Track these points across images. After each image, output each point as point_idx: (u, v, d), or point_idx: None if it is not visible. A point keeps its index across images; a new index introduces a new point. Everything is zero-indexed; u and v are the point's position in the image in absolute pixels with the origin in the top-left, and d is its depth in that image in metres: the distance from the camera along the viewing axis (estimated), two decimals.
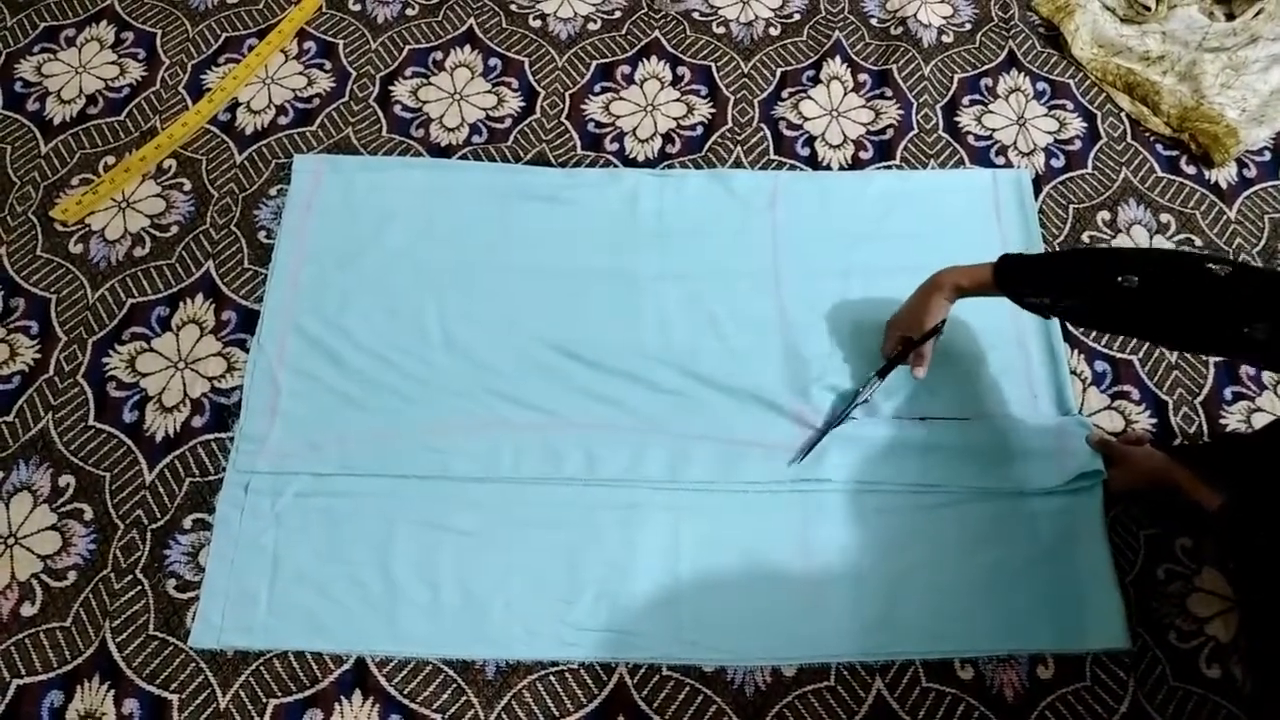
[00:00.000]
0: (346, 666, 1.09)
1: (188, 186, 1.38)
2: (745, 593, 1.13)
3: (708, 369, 1.25)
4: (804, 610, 1.12)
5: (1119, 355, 1.28)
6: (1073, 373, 1.27)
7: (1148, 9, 1.54)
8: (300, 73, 1.49)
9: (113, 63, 1.49)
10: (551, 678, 1.09)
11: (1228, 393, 1.26)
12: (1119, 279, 0.90)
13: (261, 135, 1.43)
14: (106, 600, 1.12)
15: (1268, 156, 1.45)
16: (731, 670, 1.09)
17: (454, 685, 1.08)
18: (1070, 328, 1.29)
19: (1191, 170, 1.43)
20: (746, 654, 1.10)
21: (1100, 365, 1.28)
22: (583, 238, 1.35)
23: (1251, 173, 1.43)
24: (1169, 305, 0.88)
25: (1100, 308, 0.95)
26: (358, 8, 1.55)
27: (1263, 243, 1.38)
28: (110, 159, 1.41)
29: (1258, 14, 1.53)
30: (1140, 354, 1.29)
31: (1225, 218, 1.39)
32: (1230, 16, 1.57)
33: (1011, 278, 1.03)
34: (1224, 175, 1.43)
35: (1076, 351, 1.29)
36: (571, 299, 1.31)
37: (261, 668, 1.09)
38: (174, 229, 1.35)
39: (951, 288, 1.10)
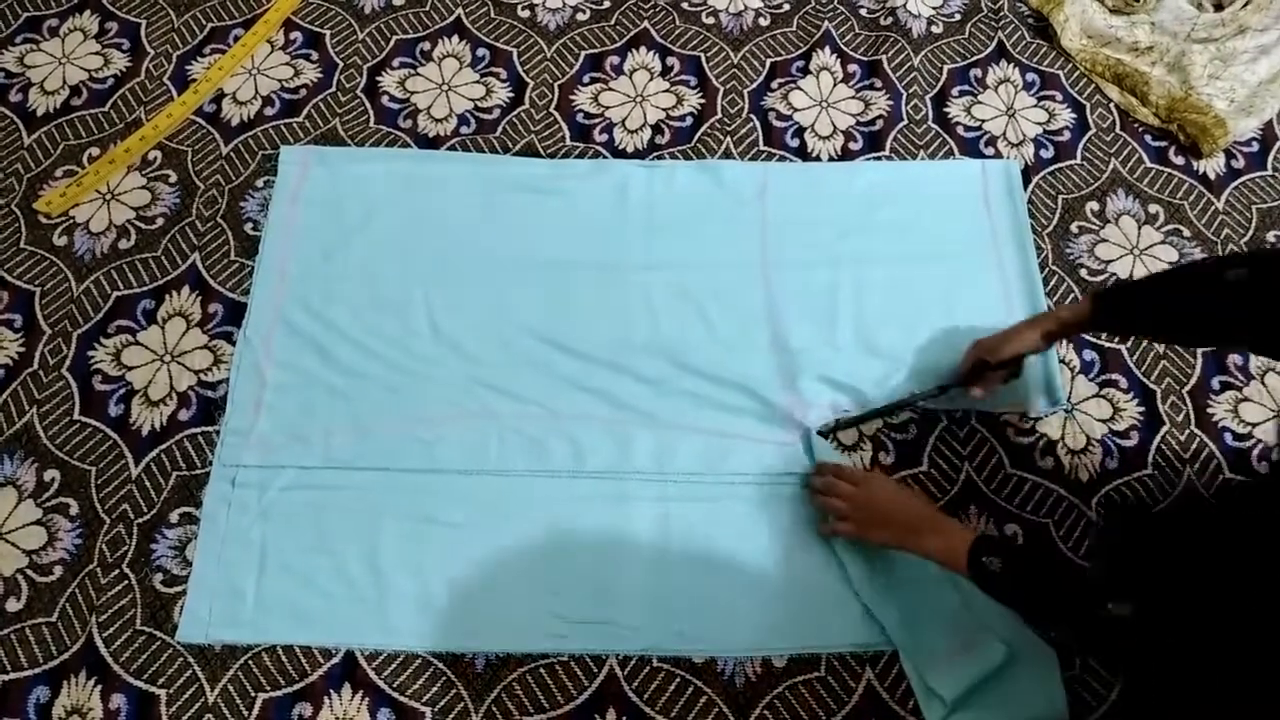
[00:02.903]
0: (335, 660, 1.08)
1: (173, 178, 1.37)
2: (735, 584, 1.13)
3: (696, 360, 1.25)
4: (794, 601, 1.12)
5: (1107, 345, 1.29)
6: (1062, 362, 1.27)
7: (1137, 0, 1.54)
8: (286, 63, 1.48)
9: (97, 53, 1.48)
10: (542, 670, 1.09)
11: (1215, 382, 1.27)
12: (1228, 273, 0.87)
13: (248, 126, 1.42)
14: (93, 595, 1.11)
15: (1255, 147, 1.45)
16: (722, 661, 1.09)
17: (443, 678, 1.08)
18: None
19: (1180, 161, 1.43)
20: (737, 645, 1.10)
21: (1089, 354, 1.28)
22: (571, 229, 1.34)
23: (1239, 163, 1.43)
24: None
25: (1210, 310, 0.91)
26: None
27: (1250, 233, 1.38)
28: (95, 150, 1.39)
29: (1245, 5, 1.54)
30: (1129, 343, 1.29)
31: (1213, 208, 1.40)
32: (1218, 7, 1.57)
33: (1111, 305, 1.01)
34: (1212, 166, 1.43)
35: (1065, 341, 1.29)
36: (560, 290, 1.30)
37: (250, 662, 1.08)
38: (159, 221, 1.34)
39: (1044, 326, 1.08)
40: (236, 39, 1.49)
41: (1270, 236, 1.38)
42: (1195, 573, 0.74)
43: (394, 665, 1.08)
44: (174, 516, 1.15)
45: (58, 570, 1.12)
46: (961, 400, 1.19)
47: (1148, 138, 1.45)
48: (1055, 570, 0.85)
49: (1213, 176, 1.42)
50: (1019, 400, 1.23)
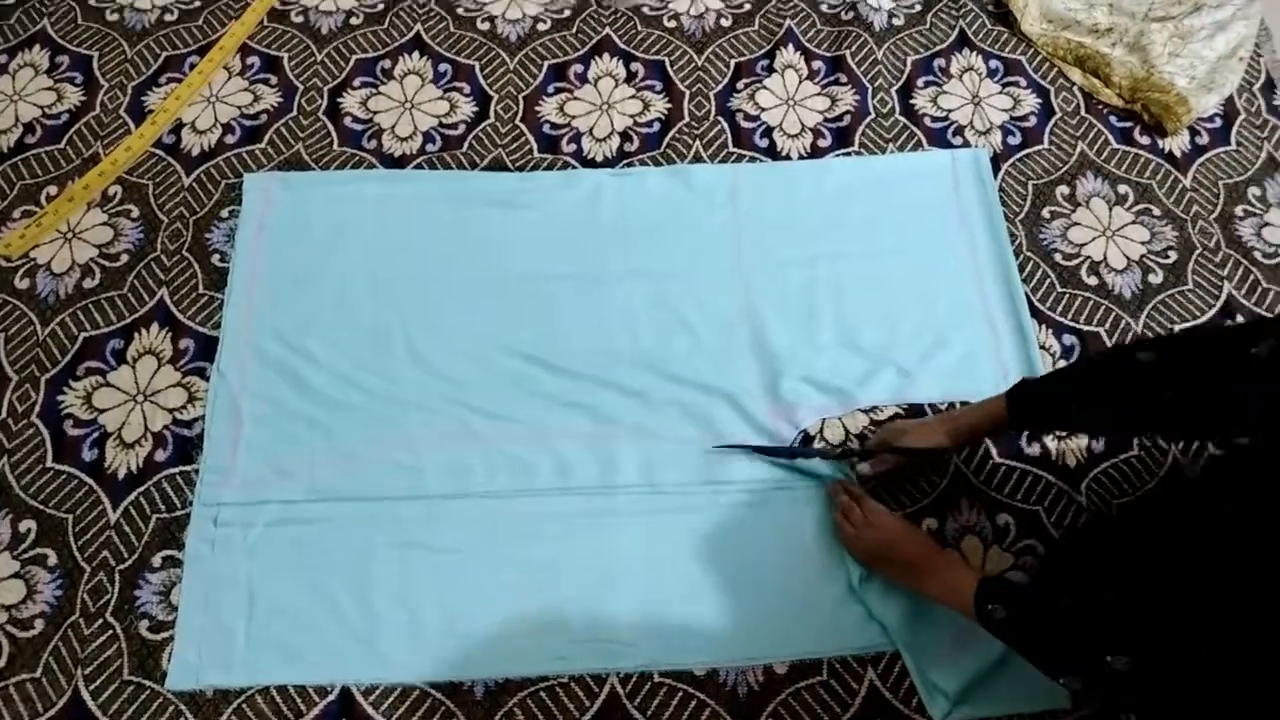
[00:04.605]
0: (331, 698, 1.06)
1: (135, 213, 1.34)
2: (731, 593, 1.12)
3: (677, 369, 1.24)
4: (792, 607, 1.11)
5: (1086, 328, 1.29)
6: (1042, 348, 1.27)
7: None
8: (245, 89, 1.45)
9: (49, 88, 1.45)
10: (542, 693, 1.07)
11: None
12: (1138, 355, 0.88)
13: (209, 156, 1.39)
14: (77, 647, 1.08)
15: (1218, 123, 1.46)
16: (723, 672, 1.08)
17: (443, 708, 1.06)
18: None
19: (1146, 141, 1.44)
20: (737, 654, 1.09)
21: (1068, 339, 1.28)
22: (544, 242, 1.33)
23: (1204, 139, 1.45)
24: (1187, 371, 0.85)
25: (1123, 395, 0.90)
26: (300, 19, 1.52)
27: (1219, 209, 1.39)
28: (52, 189, 1.36)
29: None
30: (1106, 325, 1.29)
31: (1181, 186, 1.41)
32: None
33: (1025, 402, 1.00)
34: (1177, 144, 1.44)
35: (1044, 326, 1.29)
36: (536, 304, 1.29)
37: (244, 705, 1.06)
38: (124, 258, 1.31)
39: (953, 425, 1.07)
40: (193, 66, 1.46)
41: (1238, 210, 1.39)
42: (1180, 612, 0.75)
43: (391, 698, 1.07)
44: (156, 560, 1.13)
45: (39, 624, 1.09)
46: (843, 468, 1.17)
47: (1113, 119, 1.46)
48: (1057, 620, 0.84)
49: (1179, 154, 1.43)
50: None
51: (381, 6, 1.53)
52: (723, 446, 1.19)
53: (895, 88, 1.48)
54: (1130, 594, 0.82)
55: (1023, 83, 1.49)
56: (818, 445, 1.19)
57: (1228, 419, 0.88)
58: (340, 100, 1.45)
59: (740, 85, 1.48)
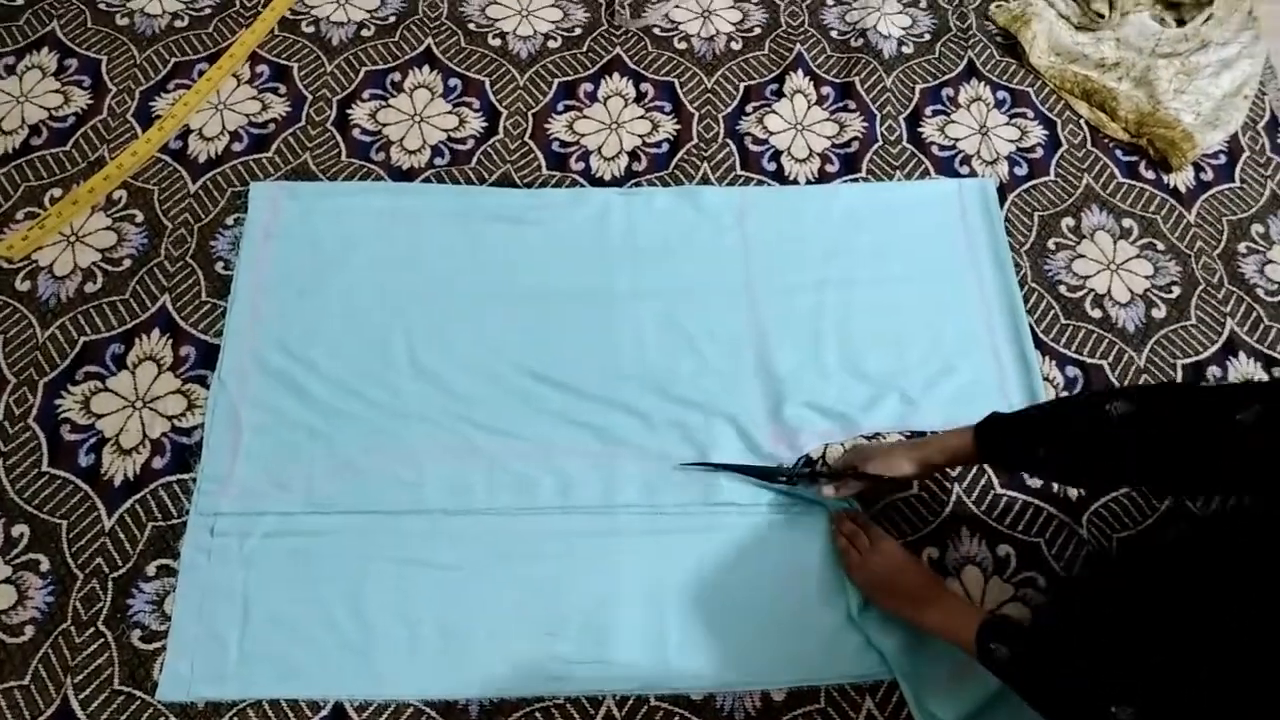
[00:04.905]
0: (324, 713, 1.05)
1: (140, 218, 1.34)
2: (731, 617, 1.12)
3: (683, 390, 1.24)
4: (792, 633, 1.10)
5: (1089, 360, 1.29)
6: (1046, 380, 1.27)
7: (1101, 16, 1.56)
8: (254, 97, 1.45)
9: (56, 91, 1.44)
10: (538, 714, 1.06)
11: None
12: (1108, 406, 0.86)
13: (215, 163, 1.39)
14: (67, 655, 1.07)
15: (1223, 160, 1.47)
16: (720, 697, 1.07)
17: None
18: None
19: (1151, 175, 1.45)
20: (734, 680, 1.08)
21: (1071, 370, 1.29)
22: (551, 259, 1.33)
23: (1208, 176, 1.46)
24: (1164, 425, 0.83)
25: (1092, 444, 0.88)
26: (311, 29, 1.52)
27: (1222, 245, 1.40)
28: (57, 191, 1.35)
29: (1207, 20, 1.56)
30: (1110, 358, 1.30)
31: (1185, 221, 1.41)
32: (1180, 23, 1.59)
33: (991, 439, 0.98)
34: (1182, 179, 1.45)
35: (1048, 358, 1.29)
36: (541, 322, 1.28)
37: (235, 718, 1.04)
38: (127, 262, 1.30)
39: (921, 454, 1.05)
40: (201, 73, 1.46)
41: (1241, 247, 1.40)
42: (1187, 664, 0.74)
43: (385, 715, 1.05)
44: (151, 569, 1.11)
45: (29, 630, 1.08)
46: (809, 492, 1.16)
47: (1118, 153, 1.47)
48: (1062, 667, 0.84)
49: (1183, 190, 1.44)
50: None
51: (393, 19, 1.54)
52: (689, 465, 1.18)
53: (903, 115, 1.49)
54: (1136, 643, 0.81)
55: (1030, 114, 1.50)
56: (797, 467, 1.18)
57: (1203, 481, 0.88)
58: (349, 111, 1.44)
59: (749, 108, 1.48)
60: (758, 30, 1.56)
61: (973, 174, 1.43)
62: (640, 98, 1.48)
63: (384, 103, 1.46)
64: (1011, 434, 0.96)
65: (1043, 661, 0.87)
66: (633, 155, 1.43)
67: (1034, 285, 1.34)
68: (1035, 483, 1.20)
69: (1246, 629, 0.72)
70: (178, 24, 1.51)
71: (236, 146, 1.40)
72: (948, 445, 1.03)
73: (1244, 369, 1.30)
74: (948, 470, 1.19)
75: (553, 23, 1.55)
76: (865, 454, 1.11)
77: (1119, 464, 0.88)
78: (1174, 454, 0.83)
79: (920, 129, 1.48)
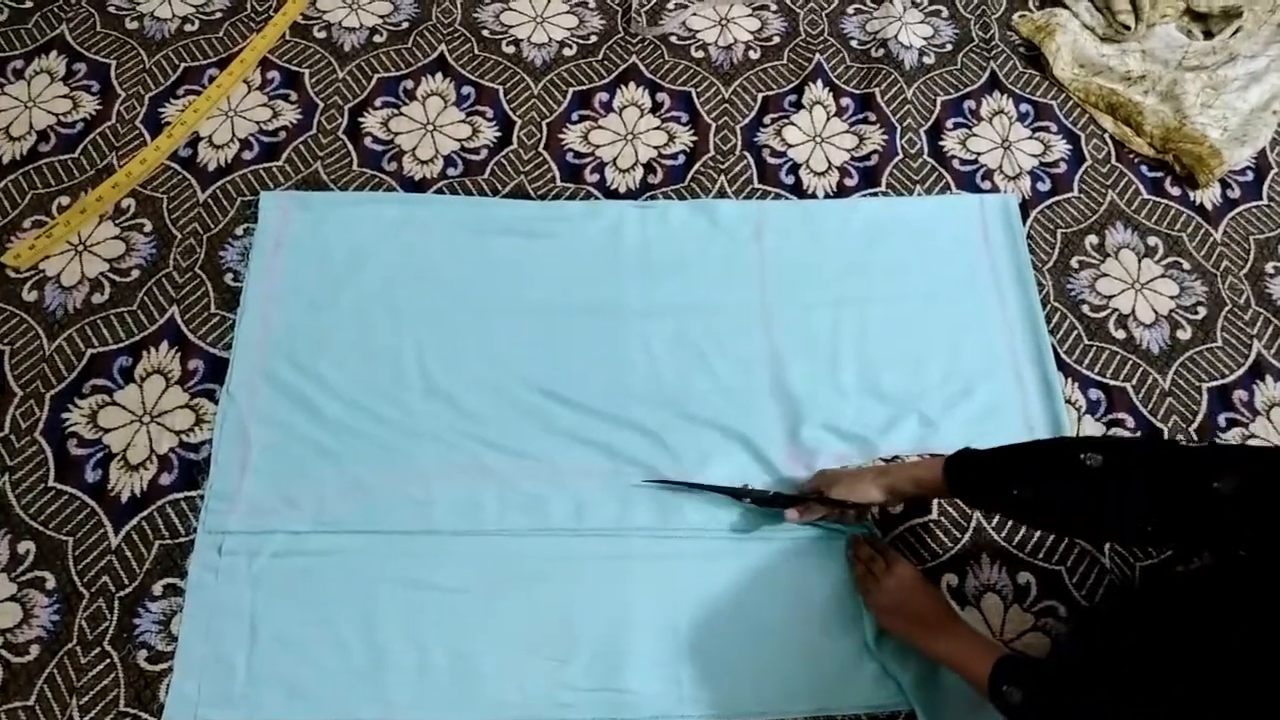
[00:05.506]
0: None
1: (148, 227, 1.32)
2: (744, 644, 1.10)
3: (696, 408, 1.22)
4: (806, 661, 1.09)
5: (1113, 383, 1.27)
6: (1068, 402, 1.25)
7: (1127, 28, 1.53)
8: (264, 104, 1.43)
9: (64, 96, 1.42)
10: None
11: (1222, 419, 1.25)
12: (1082, 456, 0.84)
13: (225, 171, 1.37)
14: (73, 675, 1.05)
15: (1250, 176, 1.44)
16: None
17: None
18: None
19: (1176, 192, 1.42)
20: (748, 708, 1.07)
21: (1094, 393, 1.26)
22: (565, 273, 1.31)
23: (1235, 193, 1.43)
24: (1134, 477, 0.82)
25: (1067, 488, 0.86)
26: (323, 35, 1.50)
27: (1249, 264, 1.37)
28: (64, 199, 1.34)
29: (1235, 33, 1.53)
30: (1134, 381, 1.27)
31: (1211, 239, 1.39)
32: (1208, 35, 1.56)
33: (960, 474, 0.96)
34: (1208, 196, 1.42)
35: (1070, 380, 1.27)
36: (555, 338, 1.26)
37: None
38: (135, 273, 1.29)
39: (890, 481, 1.03)
40: (211, 79, 1.44)
41: (1269, 267, 1.37)
42: (1209, 693, 0.72)
43: None
44: (157, 588, 1.10)
45: (34, 649, 1.07)
46: (776, 517, 1.13)
47: (1143, 168, 1.44)
48: (1076, 705, 0.81)
49: (1210, 207, 1.41)
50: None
51: (406, 25, 1.51)
52: (652, 481, 1.16)
53: (924, 128, 1.46)
54: (1159, 674, 0.79)
55: (1053, 128, 1.47)
56: (753, 487, 1.16)
57: (1177, 542, 0.87)
58: (361, 120, 1.42)
59: (767, 120, 1.46)
60: (776, 39, 1.53)
61: (995, 189, 1.41)
62: (656, 108, 1.46)
63: (396, 111, 1.43)
64: (984, 472, 0.94)
65: (1057, 704, 0.84)
66: (648, 167, 1.40)
67: (1056, 304, 1.32)
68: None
69: (1272, 661, 0.70)
70: (188, 28, 1.49)
71: (247, 155, 1.38)
72: (917, 476, 1.02)
73: (1271, 393, 1.27)
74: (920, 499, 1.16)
75: (568, 30, 1.52)
76: (830, 479, 1.09)
77: (1096, 516, 0.86)
78: (1148, 514, 0.81)
79: (941, 142, 1.45)
